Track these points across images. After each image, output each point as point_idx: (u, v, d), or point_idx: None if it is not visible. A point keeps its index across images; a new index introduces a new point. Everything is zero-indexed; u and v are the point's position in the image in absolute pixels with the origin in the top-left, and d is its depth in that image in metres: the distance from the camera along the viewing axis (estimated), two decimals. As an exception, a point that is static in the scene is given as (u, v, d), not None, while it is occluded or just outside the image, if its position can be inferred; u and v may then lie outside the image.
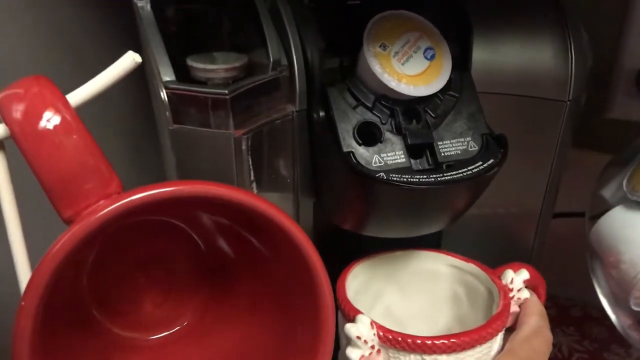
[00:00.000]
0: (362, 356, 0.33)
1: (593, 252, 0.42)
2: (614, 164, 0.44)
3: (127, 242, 0.30)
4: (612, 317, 0.42)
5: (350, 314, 0.35)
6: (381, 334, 0.33)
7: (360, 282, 0.41)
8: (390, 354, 0.34)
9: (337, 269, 0.40)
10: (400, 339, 0.33)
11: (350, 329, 0.32)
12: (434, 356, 0.33)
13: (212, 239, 0.30)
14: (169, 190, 0.22)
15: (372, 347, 0.33)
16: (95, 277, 0.29)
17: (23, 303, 0.20)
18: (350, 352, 0.33)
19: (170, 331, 0.31)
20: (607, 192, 0.42)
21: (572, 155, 0.56)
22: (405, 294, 0.43)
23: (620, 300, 0.40)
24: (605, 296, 0.42)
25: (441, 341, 0.33)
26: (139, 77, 0.41)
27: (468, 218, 0.40)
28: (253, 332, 0.29)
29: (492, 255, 0.43)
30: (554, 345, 0.57)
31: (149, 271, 0.30)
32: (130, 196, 0.21)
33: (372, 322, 0.34)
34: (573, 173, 0.50)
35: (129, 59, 0.22)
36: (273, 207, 0.24)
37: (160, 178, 0.45)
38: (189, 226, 0.30)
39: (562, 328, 0.60)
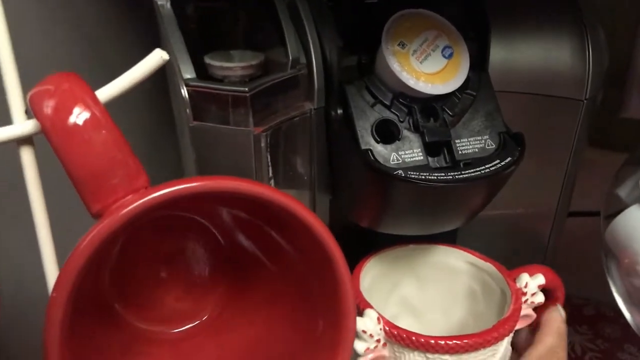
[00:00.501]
0: (368, 349, 0.34)
1: (608, 251, 0.42)
2: (629, 163, 0.43)
3: (149, 238, 0.30)
4: (627, 316, 0.42)
5: (360, 307, 0.35)
6: (387, 329, 0.34)
7: (377, 273, 0.41)
8: (396, 349, 0.35)
9: (353, 265, 0.41)
10: (404, 335, 0.33)
11: (357, 322, 0.33)
12: (437, 355, 0.34)
13: (233, 234, 0.30)
14: (196, 185, 0.22)
15: (378, 340, 0.34)
16: (117, 272, 0.30)
17: (54, 294, 0.21)
18: (356, 344, 0.34)
19: (191, 325, 0.31)
20: (623, 192, 0.42)
21: (587, 155, 0.56)
22: (423, 286, 0.44)
23: (635, 300, 0.40)
24: (621, 295, 0.42)
25: (445, 342, 0.33)
26: (156, 74, 0.42)
27: (483, 216, 0.40)
28: (273, 324, 0.30)
29: (507, 253, 0.43)
30: (566, 344, 0.57)
31: (170, 266, 0.31)
32: (158, 191, 0.22)
33: (380, 317, 0.34)
34: (588, 172, 0.50)
35: (157, 57, 0.23)
36: (296, 202, 0.24)
37: (178, 175, 0.45)
38: (210, 222, 0.30)
39: (575, 327, 0.60)
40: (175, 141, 0.46)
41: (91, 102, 0.22)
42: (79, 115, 0.21)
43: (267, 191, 0.23)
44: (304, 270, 0.28)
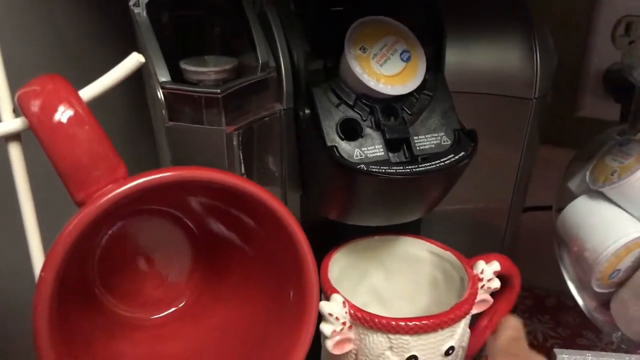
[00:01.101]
0: (334, 331, 0.36)
1: (560, 240, 0.46)
2: (578, 159, 0.47)
3: (129, 231, 0.32)
4: (579, 300, 0.46)
5: (327, 293, 0.38)
6: (352, 312, 0.37)
7: (346, 263, 0.44)
8: (360, 331, 0.37)
9: (324, 257, 0.43)
10: (368, 318, 0.36)
11: (324, 306, 0.36)
12: (398, 336, 0.36)
13: (205, 222, 0.33)
14: (171, 175, 0.25)
15: (344, 323, 0.36)
16: (101, 263, 0.32)
17: (43, 274, 0.23)
18: (323, 326, 0.36)
19: (170, 310, 0.34)
20: (573, 185, 0.45)
21: (546, 152, 0.59)
22: (390, 275, 0.46)
23: (584, 284, 0.43)
24: (572, 281, 0.45)
25: (405, 323, 0.36)
26: (134, 76, 0.44)
27: (444, 210, 0.42)
28: (247, 303, 0.32)
29: (467, 245, 0.46)
30: (529, 332, 0.61)
31: (150, 256, 0.33)
32: (136, 180, 0.24)
33: (345, 301, 0.37)
34: (548, 168, 0.53)
35: (134, 60, 0.25)
36: (258, 187, 0.26)
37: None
38: (183, 213, 0.33)
39: (537, 317, 0.63)
40: (153, 140, 0.48)
41: (75, 101, 0.24)
42: (63, 113, 0.23)
43: (233, 178, 0.26)
44: (272, 248, 0.30)
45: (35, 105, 0.24)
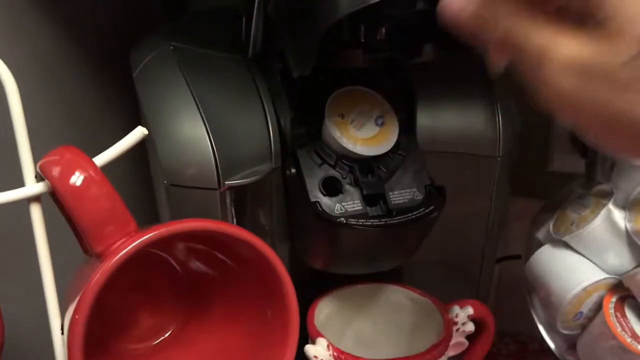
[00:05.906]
0: None
1: (530, 286, 0.49)
2: (545, 210, 0.51)
3: (125, 272, 0.36)
4: (550, 343, 0.49)
5: (313, 337, 0.41)
6: (336, 354, 0.40)
7: (331, 310, 0.47)
8: None
9: (310, 304, 0.47)
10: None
11: (310, 349, 0.39)
12: None
13: (189, 263, 0.36)
14: (177, 227, 0.29)
15: None
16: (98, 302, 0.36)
17: (76, 316, 0.27)
18: None
19: (157, 340, 0.37)
20: (540, 234, 0.49)
21: (521, 204, 0.63)
22: (373, 320, 0.50)
23: (553, 326, 0.46)
24: (543, 324, 0.48)
25: None
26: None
27: (423, 259, 0.46)
28: (229, 337, 0.35)
29: (446, 292, 0.49)
30: (513, 376, 0.63)
31: (140, 294, 0.37)
32: (147, 234, 0.28)
33: (329, 344, 0.40)
34: (523, 220, 0.57)
35: (139, 132, 0.29)
36: (252, 234, 0.31)
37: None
38: (169, 255, 0.37)
39: (521, 362, 0.65)
40: (151, 193, 0.51)
41: (89, 166, 0.28)
42: (79, 176, 0.28)
43: (230, 228, 0.30)
44: (253, 286, 0.34)
45: (56, 171, 0.28)
